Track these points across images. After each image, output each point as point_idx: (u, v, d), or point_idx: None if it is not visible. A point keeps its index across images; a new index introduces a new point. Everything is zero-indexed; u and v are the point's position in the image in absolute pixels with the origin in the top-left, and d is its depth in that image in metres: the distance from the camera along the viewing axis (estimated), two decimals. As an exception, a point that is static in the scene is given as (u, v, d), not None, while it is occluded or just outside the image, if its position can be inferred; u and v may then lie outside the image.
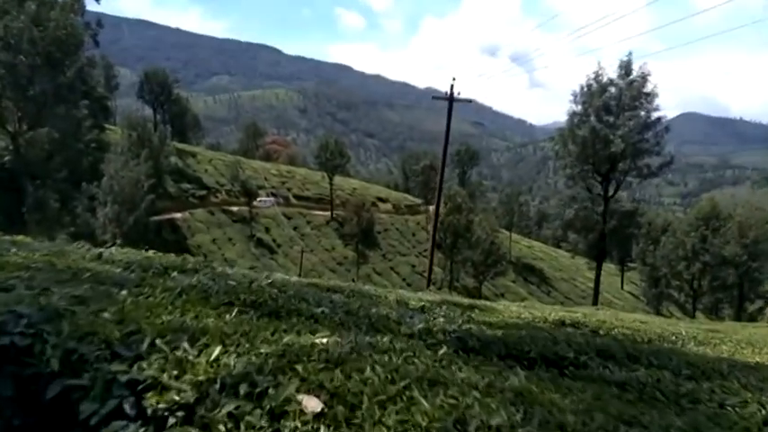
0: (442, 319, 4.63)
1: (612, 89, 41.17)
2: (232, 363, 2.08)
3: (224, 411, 1.81)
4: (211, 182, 67.73)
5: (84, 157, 51.37)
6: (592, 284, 62.19)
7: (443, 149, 23.71)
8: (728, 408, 2.99)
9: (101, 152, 52.95)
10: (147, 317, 2.80)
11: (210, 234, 59.39)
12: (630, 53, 40.98)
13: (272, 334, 2.62)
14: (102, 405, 1.99)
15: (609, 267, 69.03)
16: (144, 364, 2.13)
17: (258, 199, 64.73)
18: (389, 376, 2.14)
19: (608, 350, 4.10)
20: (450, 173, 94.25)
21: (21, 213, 42.54)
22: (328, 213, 69.91)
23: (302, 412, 1.79)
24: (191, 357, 2.14)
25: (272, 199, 67.01)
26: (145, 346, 2.33)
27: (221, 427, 1.77)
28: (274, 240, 62.62)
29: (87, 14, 52.06)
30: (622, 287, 76.27)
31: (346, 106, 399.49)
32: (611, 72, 41.38)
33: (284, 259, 59.39)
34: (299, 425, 1.76)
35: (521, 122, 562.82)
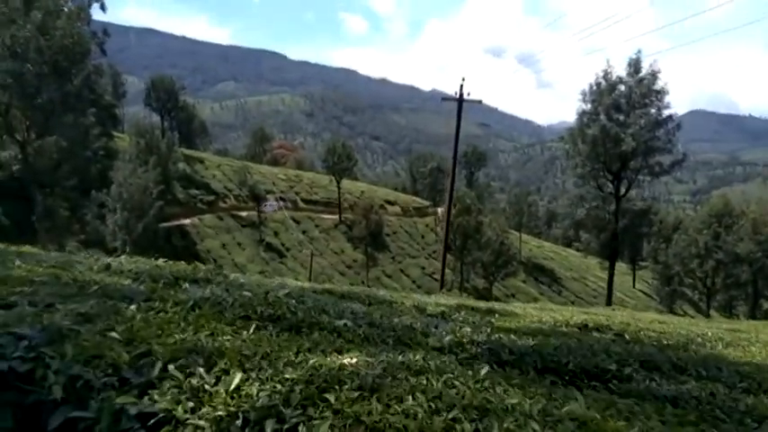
0: (468, 329, 4.36)
1: (622, 87, 40.70)
2: (255, 392, 1.82)
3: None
4: (219, 187, 67.66)
5: (93, 164, 51.48)
6: (603, 284, 61.63)
7: (454, 150, 23.41)
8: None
9: (109, 160, 53.01)
10: (158, 335, 2.57)
11: (219, 239, 59.32)
12: (640, 51, 40.60)
13: (296, 354, 2.37)
14: (110, 441, 1.76)
15: (620, 266, 68.34)
16: (156, 395, 1.89)
17: (263, 204, 64.62)
18: (432, 405, 1.88)
19: (652, 360, 3.81)
20: (458, 174, 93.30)
21: (30, 222, 42.65)
22: (336, 217, 69.67)
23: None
24: (208, 386, 1.89)
25: (275, 203, 66.84)
26: (156, 371, 2.09)
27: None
28: (283, 244, 62.45)
29: (94, 24, 52.16)
30: (634, 286, 75.54)
31: (352, 110, 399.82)
32: (621, 70, 41.02)
33: (293, 263, 59.21)
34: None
35: (527, 123, 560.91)
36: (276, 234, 63.40)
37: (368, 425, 1.68)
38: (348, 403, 1.80)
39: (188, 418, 1.73)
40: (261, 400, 1.78)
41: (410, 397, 1.91)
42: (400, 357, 2.64)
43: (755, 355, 7.83)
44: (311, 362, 2.22)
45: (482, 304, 11.66)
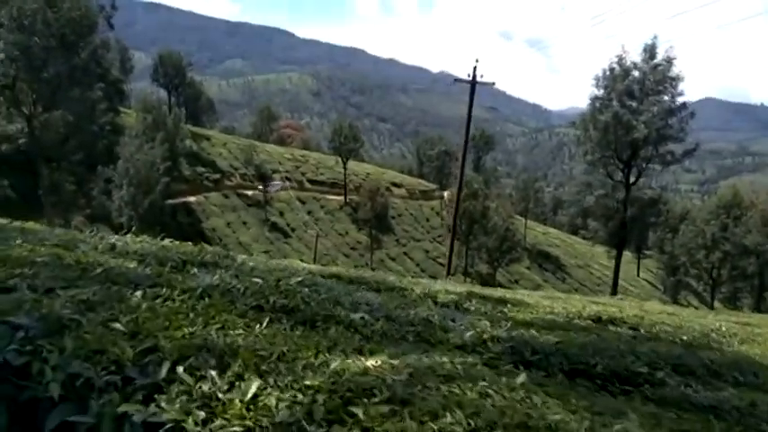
0: (486, 323, 4.18)
1: (636, 73, 40.08)
2: (274, 403, 1.63)
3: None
4: (225, 165, 67.49)
5: (100, 140, 51.37)
6: (607, 272, 61.45)
7: (465, 133, 23.09)
8: None
9: (116, 135, 52.86)
10: (165, 328, 2.38)
11: (225, 218, 59.34)
12: (656, 36, 39.90)
13: (315, 355, 2.18)
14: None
15: (624, 255, 68.12)
16: (163, 401, 1.70)
17: (268, 184, 64.48)
18: (472, 423, 1.68)
19: (685, 364, 3.61)
20: (466, 159, 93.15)
21: (37, 196, 42.69)
22: (342, 198, 69.49)
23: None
24: (221, 394, 1.70)
25: (279, 183, 66.64)
26: (163, 372, 1.90)
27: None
28: (288, 225, 62.45)
29: (101, -2, 51.81)
30: (638, 274, 75.32)
31: (360, 90, 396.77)
32: (635, 56, 40.34)
33: (298, 243, 59.24)
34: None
35: (536, 107, 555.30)
36: (281, 214, 63.37)
37: (403, 448, 1.49)
38: (378, 420, 1.60)
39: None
40: (281, 413, 1.58)
41: (446, 412, 1.71)
42: (426, 359, 2.44)
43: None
44: (332, 365, 2.01)
45: (492, 292, 11.49)
